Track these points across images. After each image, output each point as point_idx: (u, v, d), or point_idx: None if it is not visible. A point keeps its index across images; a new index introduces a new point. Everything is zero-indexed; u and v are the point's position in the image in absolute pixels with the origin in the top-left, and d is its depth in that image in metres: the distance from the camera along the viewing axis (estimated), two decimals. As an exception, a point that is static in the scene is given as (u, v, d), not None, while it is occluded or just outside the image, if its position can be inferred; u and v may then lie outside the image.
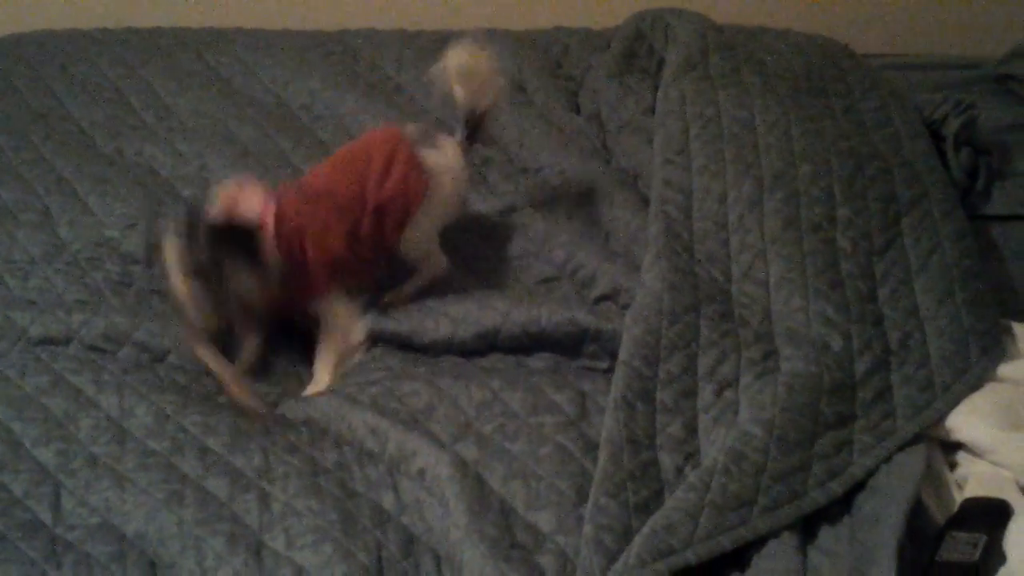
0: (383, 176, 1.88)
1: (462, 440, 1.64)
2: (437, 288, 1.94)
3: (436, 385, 1.73)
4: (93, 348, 1.81)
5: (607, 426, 1.61)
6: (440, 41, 2.69)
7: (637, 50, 2.53)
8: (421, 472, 1.56)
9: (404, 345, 1.88)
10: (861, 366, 1.71)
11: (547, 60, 2.62)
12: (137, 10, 2.86)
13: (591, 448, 1.61)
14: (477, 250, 2.05)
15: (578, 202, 2.17)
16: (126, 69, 2.56)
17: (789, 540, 1.48)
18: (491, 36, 2.72)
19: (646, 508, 1.51)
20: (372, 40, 2.71)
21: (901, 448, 1.61)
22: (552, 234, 2.05)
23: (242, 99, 2.47)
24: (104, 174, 2.20)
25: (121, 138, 2.34)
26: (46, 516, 1.52)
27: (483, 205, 2.17)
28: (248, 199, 1.80)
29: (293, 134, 2.35)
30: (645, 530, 1.45)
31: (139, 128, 2.38)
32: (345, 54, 2.66)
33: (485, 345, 1.86)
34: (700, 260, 1.90)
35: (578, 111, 2.49)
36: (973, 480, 1.59)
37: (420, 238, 1.94)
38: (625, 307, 1.87)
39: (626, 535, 1.47)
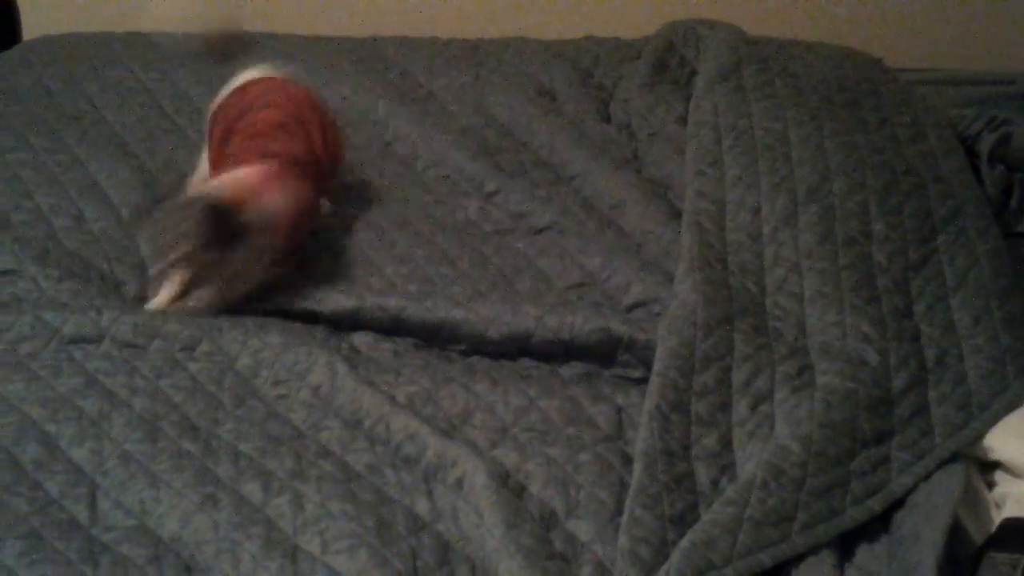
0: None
1: (500, 446, 1.64)
2: (468, 291, 1.94)
3: (472, 390, 1.73)
4: (125, 344, 1.81)
5: (642, 437, 1.60)
6: (471, 49, 2.72)
7: (668, 61, 2.54)
8: (459, 480, 1.56)
9: (431, 338, 1.87)
10: (898, 382, 1.70)
11: (578, 69, 2.62)
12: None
13: (629, 461, 1.60)
14: (509, 258, 2.05)
15: (610, 212, 2.17)
16: (158, 73, 2.57)
17: (827, 557, 1.47)
18: (523, 44, 2.73)
19: (682, 520, 1.50)
20: (404, 47, 2.71)
21: (939, 466, 1.59)
22: (585, 243, 2.04)
23: (274, 104, 2.47)
24: (136, 180, 2.21)
25: (153, 141, 2.35)
26: (83, 516, 1.51)
27: (514, 214, 2.17)
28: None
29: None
30: (684, 544, 1.44)
31: (172, 131, 2.39)
32: (376, 61, 2.66)
33: (516, 349, 1.85)
34: (734, 272, 1.90)
35: (608, 121, 2.48)
36: (1012, 500, 1.57)
37: None
38: (658, 316, 1.86)
39: (662, 547, 1.46)
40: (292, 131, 2.02)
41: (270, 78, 2.14)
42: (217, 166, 2.02)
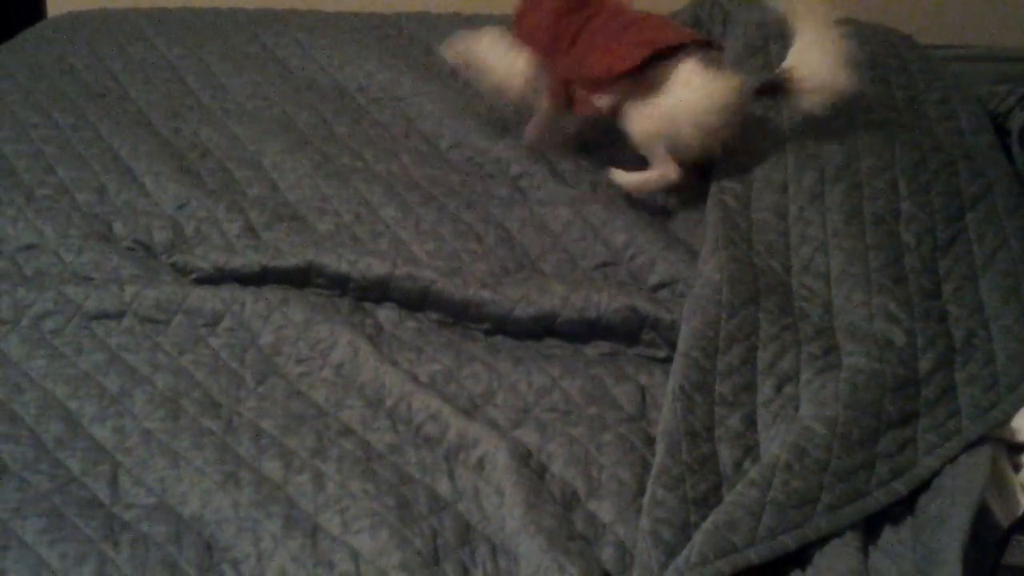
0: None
1: (523, 425, 1.63)
2: (496, 268, 1.93)
3: (496, 369, 1.73)
4: (147, 319, 1.82)
5: (665, 418, 1.59)
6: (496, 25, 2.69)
7: (697, 37, 2.51)
8: (480, 461, 1.55)
9: (457, 315, 1.87)
10: (925, 363, 1.68)
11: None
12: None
13: (651, 441, 1.59)
14: (535, 236, 2.03)
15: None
16: (183, 49, 2.56)
17: (852, 540, 1.45)
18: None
19: (704, 502, 1.49)
20: (427, 23, 2.70)
21: (966, 448, 1.58)
22: (611, 218, 2.02)
23: (298, 81, 2.47)
24: (159, 154, 2.21)
25: (178, 118, 2.34)
26: (104, 494, 1.52)
27: (537, 187, 2.15)
28: None
29: (349, 117, 2.35)
30: (707, 526, 1.43)
31: (195, 108, 2.38)
32: (400, 37, 2.65)
33: (541, 329, 1.84)
34: (759, 251, 1.88)
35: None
36: (1039, 483, 1.56)
37: (640, 127, 2.04)
38: (682, 296, 1.85)
39: (684, 529, 1.45)
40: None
41: None
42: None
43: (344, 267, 1.89)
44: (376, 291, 1.89)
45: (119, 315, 1.82)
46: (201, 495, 1.51)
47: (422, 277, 1.87)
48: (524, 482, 1.50)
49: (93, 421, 1.63)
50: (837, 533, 1.46)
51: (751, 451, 1.58)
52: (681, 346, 1.69)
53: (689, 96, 1.99)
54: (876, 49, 2.35)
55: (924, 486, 1.54)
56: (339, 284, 1.90)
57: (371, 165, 2.20)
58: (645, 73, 2.00)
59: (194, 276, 1.93)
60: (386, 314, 1.88)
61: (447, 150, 2.29)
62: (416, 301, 1.88)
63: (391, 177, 2.16)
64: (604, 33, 2.06)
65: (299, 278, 1.91)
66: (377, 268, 1.88)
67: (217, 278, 1.92)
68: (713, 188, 2.00)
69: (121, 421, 1.63)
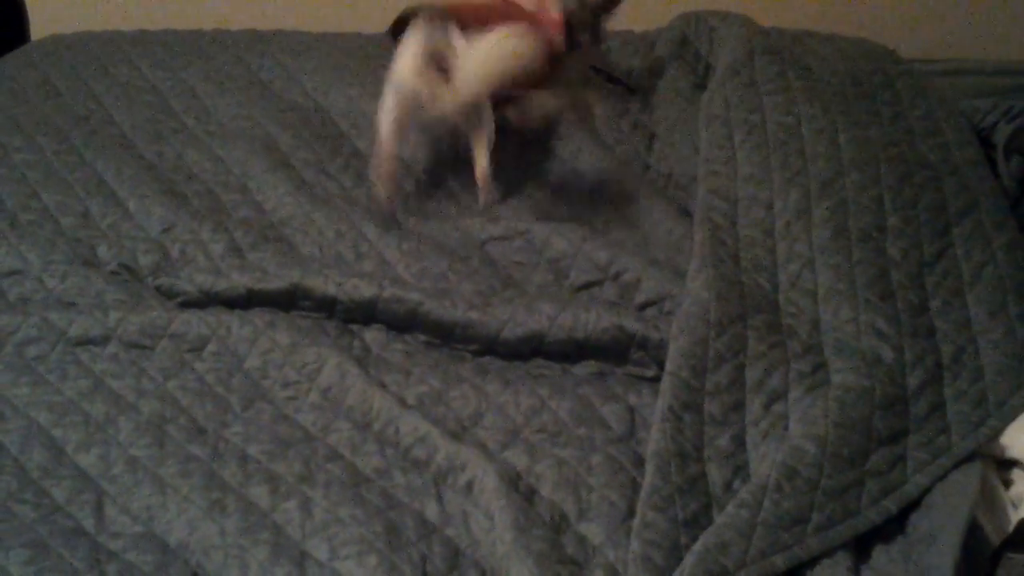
0: None
1: (511, 447, 1.62)
2: (483, 288, 1.92)
3: (484, 390, 1.72)
4: (132, 345, 1.80)
5: (654, 438, 1.58)
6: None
7: (683, 54, 2.51)
8: (469, 484, 1.55)
9: (444, 337, 1.85)
10: (913, 380, 1.68)
11: (589, 63, 2.60)
12: (176, 12, 2.86)
13: (641, 462, 1.59)
14: (516, 254, 2.03)
15: (617, 205, 2.15)
16: (167, 72, 2.55)
17: (843, 560, 1.45)
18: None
19: (695, 523, 1.48)
20: (412, 44, 2.69)
21: (956, 465, 1.57)
22: (590, 236, 2.02)
23: (282, 103, 2.46)
24: (143, 177, 2.20)
25: (162, 141, 2.33)
26: (89, 524, 1.51)
27: (521, 206, 2.14)
28: None
29: (331, 142, 2.34)
30: (697, 548, 1.42)
31: (180, 131, 2.37)
32: (384, 58, 2.62)
33: (530, 349, 1.83)
34: (746, 269, 1.87)
35: (619, 115, 2.46)
36: (1030, 499, 1.56)
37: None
38: (670, 314, 1.84)
39: (674, 552, 1.44)
40: None
41: None
42: None
43: (331, 289, 1.88)
44: (363, 313, 1.88)
45: (104, 341, 1.81)
46: (188, 523, 1.50)
47: (409, 299, 1.86)
48: (513, 505, 1.49)
49: (78, 449, 1.61)
50: (828, 553, 1.46)
51: (741, 471, 1.57)
52: (669, 365, 1.69)
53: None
54: (859, 63, 2.36)
55: (914, 504, 1.54)
56: (326, 306, 1.89)
57: (349, 191, 2.19)
58: None
59: (180, 300, 1.92)
60: (373, 336, 1.87)
61: (421, 174, 2.28)
62: (404, 323, 1.87)
63: (370, 201, 2.16)
64: None
65: (285, 301, 1.90)
66: (364, 290, 1.87)
67: (203, 301, 1.91)
68: (699, 206, 2.00)
69: (106, 448, 1.61)
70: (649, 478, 1.53)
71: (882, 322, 1.75)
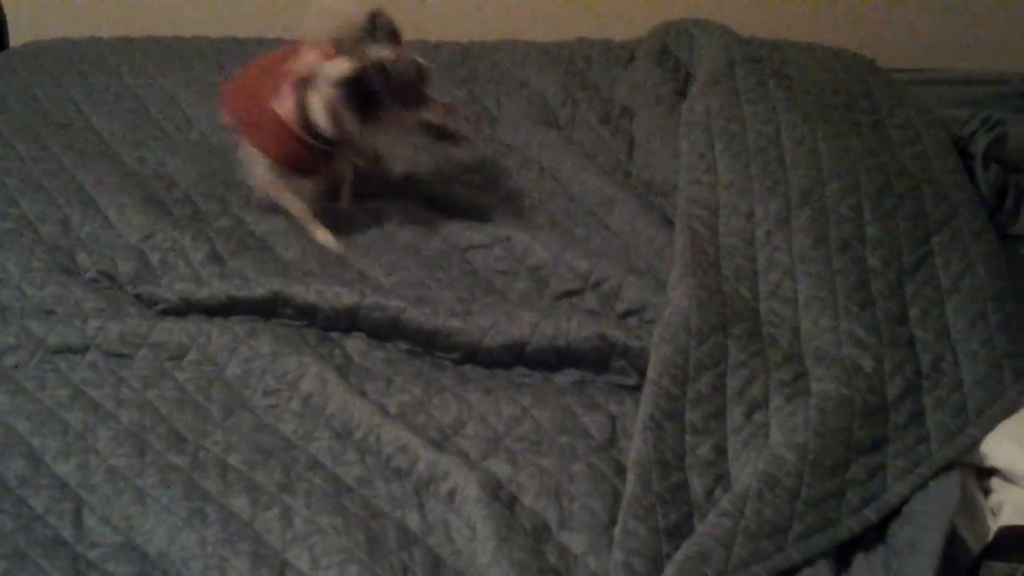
0: None
1: (492, 456, 1.62)
2: (464, 295, 1.92)
3: (465, 399, 1.72)
4: (111, 354, 1.80)
5: (636, 447, 1.59)
6: (462, 53, 2.70)
7: (664, 63, 2.52)
8: (450, 493, 1.54)
9: (426, 345, 1.85)
10: (893, 389, 1.68)
11: (572, 72, 2.60)
12: (156, 19, 2.85)
13: (622, 470, 1.59)
14: (496, 262, 2.03)
15: (598, 213, 2.15)
16: (147, 79, 2.55)
17: (823, 568, 1.45)
18: (514, 47, 2.72)
19: (676, 532, 1.48)
20: (391, 51, 2.68)
21: (935, 474, 1.58)
22: (571, 244, 2.02)
23: (262, 110, 2.45)
24: (123, 185, 2.19)
25: (142, 148, 2.33)
26: (68, 533, 1.50)
27: (500, 213, 2.15)
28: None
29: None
30: (679, 557, 1.42)
31: (160, 138, 2.37)
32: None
33: (511, 357, 1.83)
34: (727, 277, 1.88)
35: (602, 123, 2.46)
36: (1008, 507, 1.56)
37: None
38: (650, 323, 1.85)
39: (655, 561, 1.44)
40: None
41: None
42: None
43: (312, 297, 1.88)
44: (345, 321, 1.88)
45: (83, 349, 1.80)
46: (167, 532, 1.49)
47: (391, 306, 1.85)
48: (495, 514, 1.49)
49: (57, 458, 1.61)
50: (809, 562, 1.46)
51: (722, 480, 1.57)
52: (651, 374, 1.69)
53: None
54: (839, 73, 2.37)
55: (895, 513, 1.54)
56: (307, 314, 1.89)
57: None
58: None
59: (160, 307, 1.91)
60: (354, 344, 1.86)
61: (403, 182, 2.29)
62: (385, 331, 1.87)
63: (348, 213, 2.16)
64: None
65: (267, 308, 1.90)
66: (346, 298, 1.87)
67: (184, 309, 1.90)
68: (680, 215, 2.01)
69: (85, 457, 1.61)
70: (630, 487, 1.53)
71: (862, 331, 1.76)
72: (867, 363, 1.71)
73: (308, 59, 1.95)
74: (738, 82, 2.28)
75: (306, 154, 2.01)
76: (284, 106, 1.97)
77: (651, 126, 2.34)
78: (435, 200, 2.20)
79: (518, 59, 2.67)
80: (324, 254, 2.03)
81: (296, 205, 2.10)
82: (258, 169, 2.07)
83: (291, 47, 2.03)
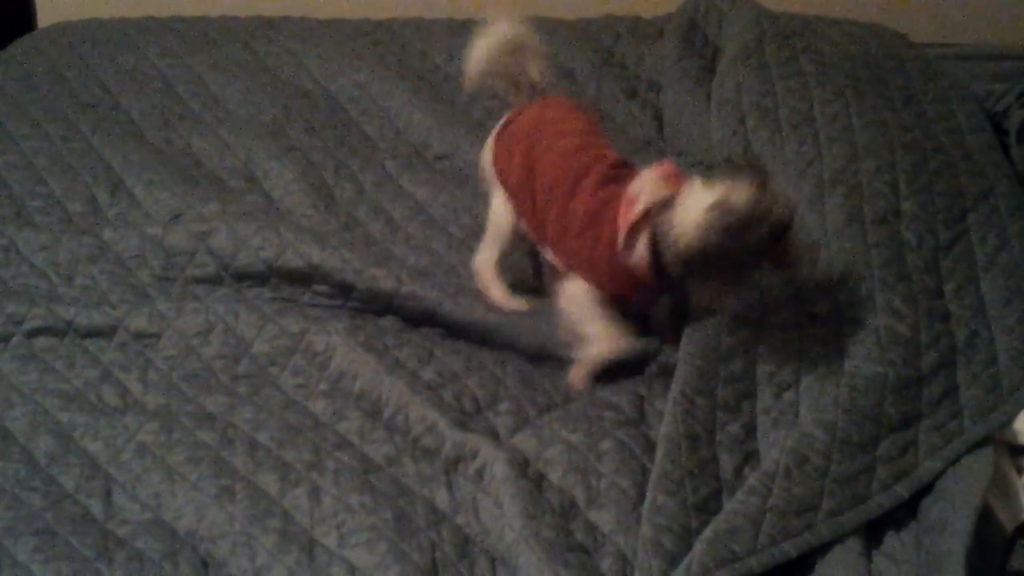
0: None
1: (520, 431, 1.62)
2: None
3: (499, 376, 1.72)
4: (139, 335, 1.80)
5: (666, 422, 1.58)
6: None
7: (693, 38, 2.49)
8: (479, 471, 1.54)
9: (462, 335, 1.84)
10: (928, 360, 1.66)
11: (599, 48, 2.58)
12: (182, -1, 2.86)
13: (651, 447, 1.58)
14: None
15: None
16: (174, 59, 2.55)
17: (854, 545, 1.44)
18: (541, 24, 2.69)
19: (705, 507, 1.47)
20: (421, 29, 2.68)
21: (968, 451, 1.56)
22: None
23: (290, 90, 2.45)
24: (151, 164, 2.19)
25: (169, 128, 2.33)
26: (98, 510, 1.50)
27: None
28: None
29: (339, 129, 2.33)
30: (707, 534, 1.41)
31: (187, 118, 2.37)
32: (393, 44, 2.63)
33: (545, 355, 1.81)
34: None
35: (628, 98, 2.44)
36: (1043, 486, 1.55)
37: None
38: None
39: (685, 536, 1.43)
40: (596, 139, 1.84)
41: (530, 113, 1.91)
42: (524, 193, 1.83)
43: (349, 276, 1.86)
44: (378, 305, 1.87)
45: (111, 331, 1.80)
46: (196, 510, 1.49)
47: (428, 298, 1.85)
48: (523, 492, 1.48)
49: (86, 436, 1.61)
50: (839, 539, 1.45)
51: (751, 458, 1.56)
52: (683, 352, 1.68)
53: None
54: (871, 49, 2.34)
55: (926, 489, 1.53)
56: (341, 294, 1.88)
57: (357, 175, 2.19)
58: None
59: (196, 273, 1.92)
60: (386, 324, 1.85)
61: (433, 160, 2.27)
62: (419, 319, 1.86)
63: (377, 189, 2.15)
64: (562, 203, 1.76)
65: (303, 279, 1.89)
66: (382, 283, 1.86)
67: (216, 279, 1.91)
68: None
69: (114, 434, 1.61)
70: (659, 461, 1.52)
71: (898, 301, 1.73)
72: (903, 331, 1.69)
73: (650, 186, 1.66)
74: (768, 57, 2.26)
75: (643, 293, 1.76)
76: (636, 251, 1.66)
77: (679, 101, 2.32)
78: (458, 185, 2.19)
79: (546, 36, 2.65)
80: (351, 233, 2.02)
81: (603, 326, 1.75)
82: (579, 298, 1.76)
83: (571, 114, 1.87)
